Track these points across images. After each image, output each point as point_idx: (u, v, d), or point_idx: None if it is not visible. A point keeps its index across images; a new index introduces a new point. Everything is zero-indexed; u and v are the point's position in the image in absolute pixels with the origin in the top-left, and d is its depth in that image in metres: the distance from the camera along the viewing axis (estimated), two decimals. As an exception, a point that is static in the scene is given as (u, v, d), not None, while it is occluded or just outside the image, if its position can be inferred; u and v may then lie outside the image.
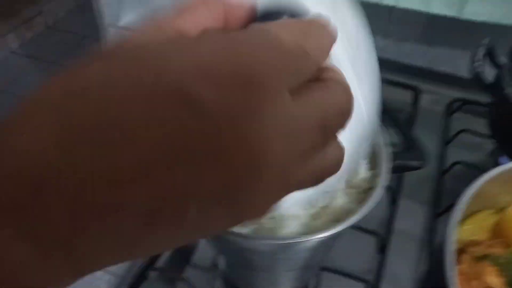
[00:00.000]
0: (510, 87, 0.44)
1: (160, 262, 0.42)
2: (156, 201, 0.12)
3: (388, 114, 0.35)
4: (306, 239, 0.25)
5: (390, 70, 0.66)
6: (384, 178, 0.27)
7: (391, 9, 0.66)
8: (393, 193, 0.47)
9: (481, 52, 0.47)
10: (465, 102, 0.59)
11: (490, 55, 0.49)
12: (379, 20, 0.70)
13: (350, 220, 0.26)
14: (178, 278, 0.42)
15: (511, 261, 0.32)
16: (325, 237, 0.25)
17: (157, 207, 0.12)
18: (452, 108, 0.59)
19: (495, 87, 0.47)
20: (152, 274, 0.41)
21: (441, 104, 0.61)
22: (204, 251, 0.44)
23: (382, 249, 0.43)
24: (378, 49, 0.78)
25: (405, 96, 0.62)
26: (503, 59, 0.47)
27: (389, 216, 0.45)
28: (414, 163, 0.31)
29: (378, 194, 0.26)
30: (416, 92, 0.62)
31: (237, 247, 0.28)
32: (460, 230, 0.35)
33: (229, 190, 0.12)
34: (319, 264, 0.38)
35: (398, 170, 0.30)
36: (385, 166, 0.28)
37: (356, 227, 0.43)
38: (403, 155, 0.31)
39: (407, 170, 0.31)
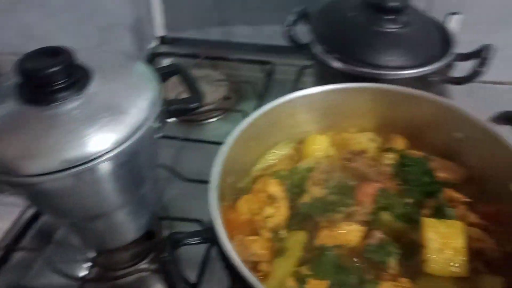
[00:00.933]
0: (317, 46, 0.51)
1: (24, 243, 0.46)
2: None
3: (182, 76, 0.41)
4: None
5: (251, 51, 0.74)
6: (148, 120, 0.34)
7: (245, 0, 0.73)
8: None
9: (292, 18, 0.55)
10: (307, 67, 0.66)
11: (307, 20, 0.57)
12: (236, 11, 0.77)
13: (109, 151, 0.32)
14: (40, 256, 0.45)
15: (290, 173, 0.39)
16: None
17: None
18: (299, 75, 0.67)
19: (305, 47, 0.54)
20: (16, 255, 0.45)
21: (292, 72, 0.68)
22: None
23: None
24: (240, 35, 0.85)
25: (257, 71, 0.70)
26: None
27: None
28: (192, 105, 0.37)
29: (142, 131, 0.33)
30: (268, 65, 0.69)
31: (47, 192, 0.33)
32: (263, 159, 0.42)
33: None
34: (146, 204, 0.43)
35: (178, 113, 0.36)
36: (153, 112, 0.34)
37: (193, 180, 0.49)
38: (182, 101, 0.37)
39: (187, 111, 0.37)
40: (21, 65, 0.32)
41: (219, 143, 0.53)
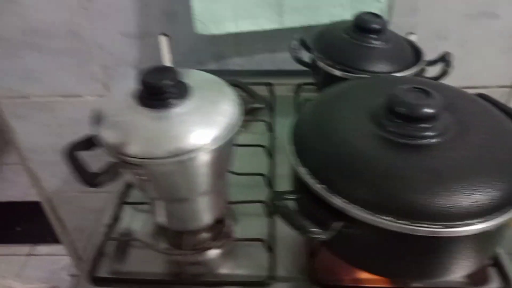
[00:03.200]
0: (319, 61, 0.66)
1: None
2: None
3: (240, 88, 0.53)
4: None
5: (249, 76, 0.87)
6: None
7: (236, 35, 0.86)
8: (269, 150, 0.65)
9: (295, 42, 0.70)
10: (304, 84, 0.81)
11: (304, 44, 0.72)
12: (231, 44, 0.91)
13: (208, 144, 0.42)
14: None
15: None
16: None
17: None
18: (297, 91, 0.81)
19: (310, 64, 0.69)
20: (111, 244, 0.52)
21: (290, 90, 0.82)
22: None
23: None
24: (237, 65, 0.99)
25: (264, 91, 0.83)
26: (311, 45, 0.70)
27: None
28: (258, 105, 0.49)
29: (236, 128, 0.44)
30: (270, 86, 0.83)
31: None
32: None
33: None
34: (222, 194, 0.53)
35: (250, 111, 0.48)
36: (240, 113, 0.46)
37: (243, 174, 0.60)
38: (253, 102, 0.49)
39: (255, 110, 0.49)
40: (143, 78, 0.42)
41: (254, 146, 0.65)
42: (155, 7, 0.86)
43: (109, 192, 1.21)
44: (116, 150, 0.41)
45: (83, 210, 1.25)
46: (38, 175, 1.16)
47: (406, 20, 0.85)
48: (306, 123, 0.45)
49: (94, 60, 0.93)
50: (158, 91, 0.42)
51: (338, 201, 0.37)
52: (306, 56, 0.71)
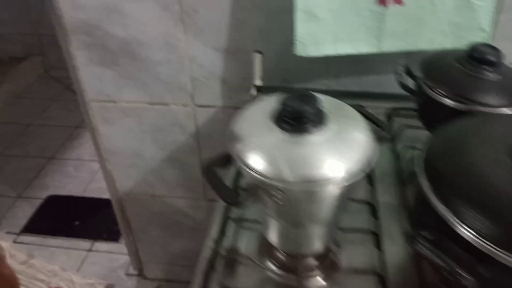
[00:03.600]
0: (428, 89, 0.65)
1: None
2: None
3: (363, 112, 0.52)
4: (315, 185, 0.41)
5: (336, 97, 0.87)
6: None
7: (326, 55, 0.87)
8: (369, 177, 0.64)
9: (400, 68, 0.69)
10: (400, 109, 0.80)
11: (408, 70, 0.71)
12: (321, 64, 0.91)
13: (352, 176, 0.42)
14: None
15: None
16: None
17: None
18: (391, 115, 0.80)
19: (414, 90, 0.68)
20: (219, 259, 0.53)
21: (380, 114, 0.81)
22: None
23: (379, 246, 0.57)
24: (322, 84, 0.99)
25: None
26: (417, 72, 0.69)
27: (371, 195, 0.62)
28: (385, 134, 0.48)
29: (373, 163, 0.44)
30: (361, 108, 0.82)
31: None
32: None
33: None
34: (337, 224, 0.53)
35: (379, 141, 0.47)
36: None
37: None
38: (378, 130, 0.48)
39: (383, 140, 0.48)
40: (284, 101, 0.43)
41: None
42: (251, 24, 0.87)
43: (175, 197, 1.23)
44: (254, 171, 0.42)
45: (149, 213, 1.28)
46: (113, 176, 1.20)
47: (505, 50, 0.82)
48: (439, 158, 0.45)
49: (185, 71, 0.96)
50: (299, 116, 0.43)
51: (490, 248, 0.36)
52: (408, 82, 0.70)
